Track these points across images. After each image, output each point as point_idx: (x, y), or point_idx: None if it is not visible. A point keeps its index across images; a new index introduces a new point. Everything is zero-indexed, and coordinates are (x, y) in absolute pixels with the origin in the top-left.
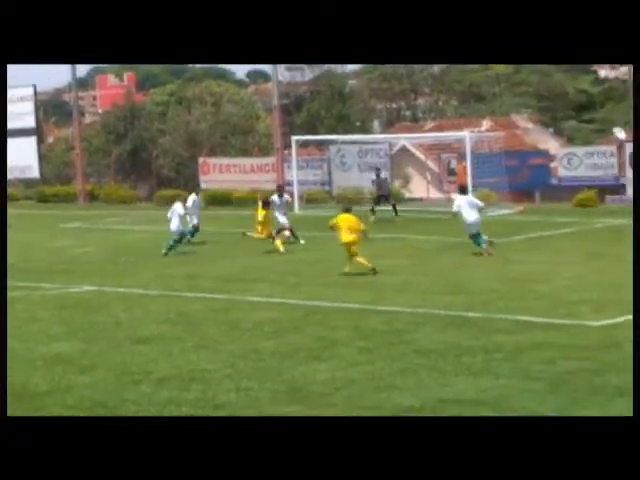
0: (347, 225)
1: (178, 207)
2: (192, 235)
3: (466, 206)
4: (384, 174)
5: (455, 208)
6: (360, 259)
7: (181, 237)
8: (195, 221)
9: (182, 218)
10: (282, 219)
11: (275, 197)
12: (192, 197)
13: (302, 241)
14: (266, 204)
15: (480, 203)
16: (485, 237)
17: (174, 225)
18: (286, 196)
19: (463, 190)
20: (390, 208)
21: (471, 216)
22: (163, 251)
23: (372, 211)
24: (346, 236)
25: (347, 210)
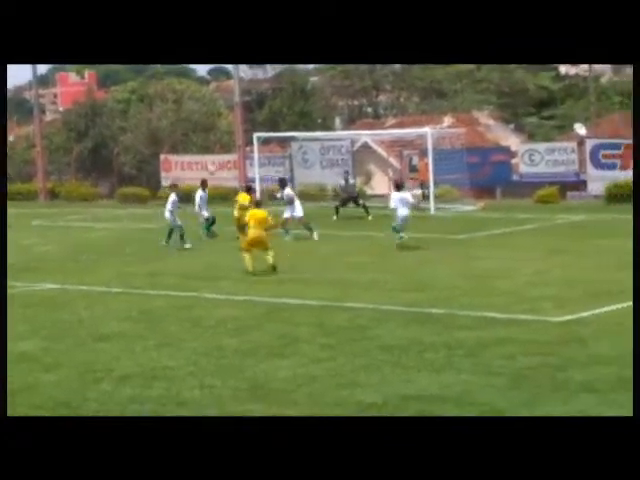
0: (256, 221)
1: (169, 201)
2: (210, 225)
3: (398, 202)
4: (352, 179)
5: (392, 205)
6: (269, 255)
7: (177, 230)
8: (206, 214)
9: (172, 213)
10: (286, 214)
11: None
12: (199, 193)
13: (315, 236)
14: (250, 190)
15: (411, 199)
16: (403, 234)
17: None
18: (287, 190)
19: (398, 187)
20: (358, 209)
21: (401, 212)
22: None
23: (336, 211)
24: (253, 232)
25: (257, 205)
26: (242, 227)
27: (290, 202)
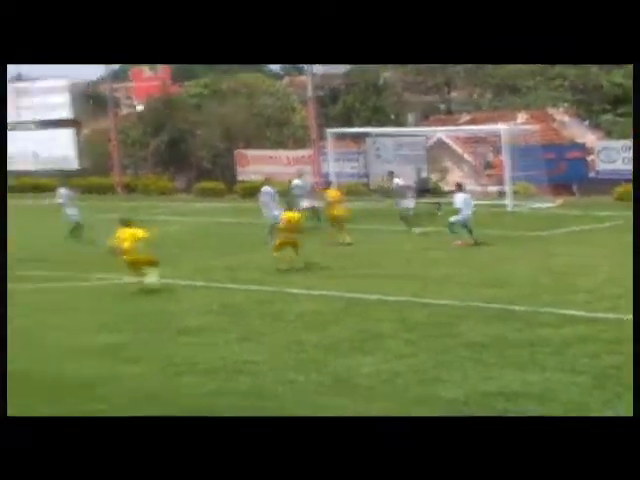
0: (290, 224)
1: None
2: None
3: (463, 203)
4: (424, 173)
5: (458, 204)
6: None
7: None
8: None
9: (265, 206)
10: (398, 205)
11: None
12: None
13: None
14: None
15: (472, 203)
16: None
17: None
18: (397, 180)
19: (460, 187)
20: (432, 203)
21: (465, 212)
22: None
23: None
24: (286, 235)
25: (290, 207)
26: (338, 223)
27: (404, 192)
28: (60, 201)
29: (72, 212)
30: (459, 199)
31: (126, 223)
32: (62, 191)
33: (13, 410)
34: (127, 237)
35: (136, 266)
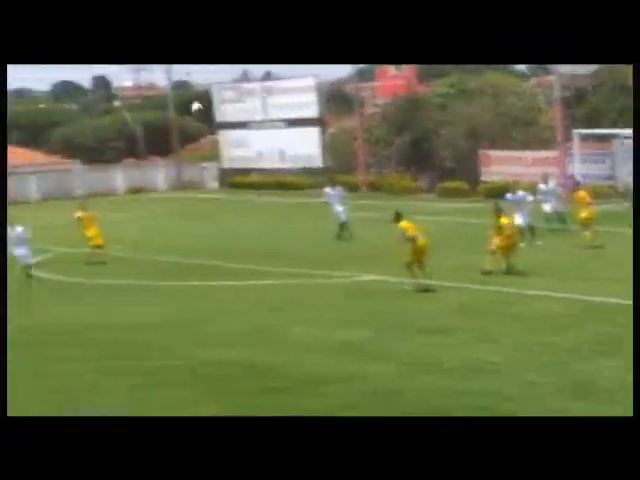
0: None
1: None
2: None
3: None
4: None
5: None
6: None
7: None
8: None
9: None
10: None
11: None
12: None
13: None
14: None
15: None
16: None
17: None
18: None
19: None
20: None
21: None
22: None
23: None
24: (502, 239)
25: (498, 213)
26: (589, 226)
27: None
28: (326, 200)
29: (339, 211)
30: None
31: (399, 218)
32: (328, 190)
33: (248, 402)
34: (414, 228)
35: (419, 257)
